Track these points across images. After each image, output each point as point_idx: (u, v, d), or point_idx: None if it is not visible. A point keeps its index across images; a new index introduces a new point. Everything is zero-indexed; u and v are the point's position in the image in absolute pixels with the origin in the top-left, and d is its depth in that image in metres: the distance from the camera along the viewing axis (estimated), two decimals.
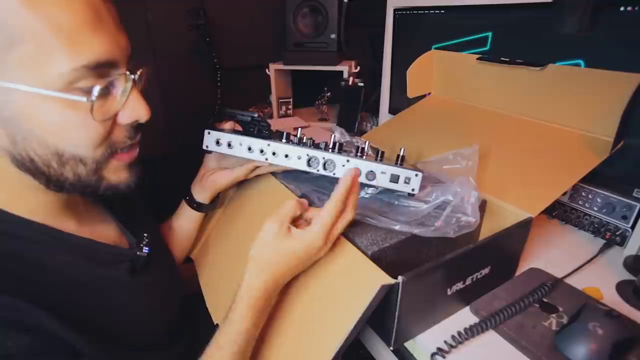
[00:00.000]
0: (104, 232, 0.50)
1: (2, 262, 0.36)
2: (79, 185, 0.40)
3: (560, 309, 0.49)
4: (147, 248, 0.51)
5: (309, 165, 0.53)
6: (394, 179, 0.51)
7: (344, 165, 0.52)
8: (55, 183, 0.39)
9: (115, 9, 0.40)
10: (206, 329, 0.53)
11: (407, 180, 0.50)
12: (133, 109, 0.41)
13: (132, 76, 0.40)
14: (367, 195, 0.55)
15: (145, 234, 0.53)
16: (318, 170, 0.53)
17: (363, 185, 0.54)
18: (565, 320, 0.47)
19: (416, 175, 0.50)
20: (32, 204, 0.40)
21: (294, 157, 0.53)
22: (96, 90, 0.36)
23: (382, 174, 0.51)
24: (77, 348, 0.36)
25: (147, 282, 0.50)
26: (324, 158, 0.52)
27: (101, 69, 0.36)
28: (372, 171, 0.51)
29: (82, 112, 0.36)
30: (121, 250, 0.49)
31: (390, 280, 0.38)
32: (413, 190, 0.51)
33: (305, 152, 0.53)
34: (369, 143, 0.55)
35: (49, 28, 0.33)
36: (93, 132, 0.38)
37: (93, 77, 0.36)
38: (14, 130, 0.35)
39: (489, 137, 0.67)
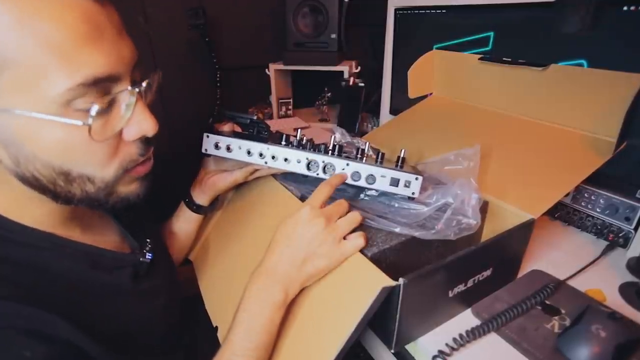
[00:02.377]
0: (107, 238, 0.50)
1: (14, 271, 0.36)
2: (87, 200, 0.39)
3: (563, 311, 0.49)
4: (150, 254, 0.51)
5: (308, 168, 0.53)
6: (394, 182, 0.50)
7: (343, 169, 0.51)
8: (64, 198, 0.38)
9: (117, 13, 0.37)
10: (205, 332, 0.53)
11: (407, 184, 0.50)
12: (138, 124, 0.38)
13: (136, 89, 0.37)
14: (366, 198, 0.54)
15: (148, 240, 0.53)
16: (317, 174, 0.52)
17: (363, 188, 0.54)
18: (567, 322, 0.47)
19: (416, 178, 0.50)
20: (37, 213, 0.40)
21: (294, 160, 0.53)
22: (94, 110, 0.34)
23: (382, 178, 0.50)
24: (88, 353, 0.36)
25: (150, 287, 0.50)
26: (323, 162, 0.52)
27: (101, 84, 0.34)
28: (372, 175, 0.51)
29: (82, 133, 0.34)
30: (123, 256, 0.49)
31: (391, 282, 0.38)
32: (413, 193, 0.50)
33: (304, 155, 0.52)
34: (369, 144, 0.54)
35: (42, 46, 0.30)
36: (98, 152, 0.37)
37: (93, 94, 0.34)
38: (16, 151, 0.34)
39: (491, 138, 0.66)
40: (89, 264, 0.43)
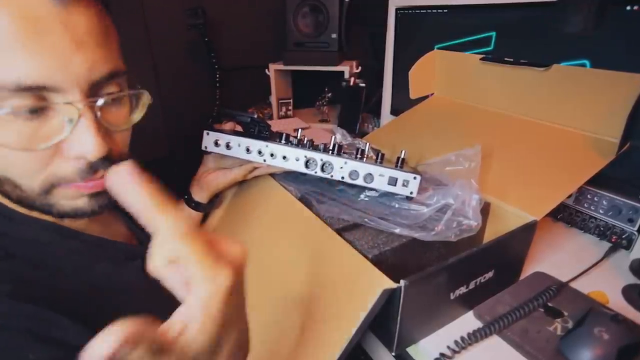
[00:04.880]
0: (114, 229, 0.49)
1: (19, 266, 0.35)
2: (26, 204, 0.36)
3: (565, 313, 0.48)
4: None
5: (306, 167, 0.53)
6: (392, 181, 0.50)
7: (341, 167, 0.51)
8: (4, 195, 0.36)
9: (94, 21, 0.33)
10: None
11: (406, 183, 0.50)
12: (79, 143, 0.33)
13: (80, 105, 0.33)
14: (366, 198, 0.54)
15: None
16: (316, 172, 0.52)
17: (363, 189, 0.54)
18: (570, 325, 0.47)
19: (414, 178, 0.49)
20: None
21: (292, 158, 0.53)
22: (2, 111, 0.30)
23: (380, 177, 0.50)
24: None
25: (157, 280, 0.49)
26: (322, 160, 0.52)
27: (31, 92, 0.30)
28: (370, 173, 0.50)
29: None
30: (132, 248, 0.48)
31: (392, 284, 0.37)
32: (411, 193, 0.50)
33: (303, 153, 0.52)
34: (369, 145, 0.54)
35: None
36: (23, 162, 0.33)
37: (22, 98, 0.30)
38: None
39: (493, 138, 0.66)
40: (97, 257, 0.42)
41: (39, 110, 0.32)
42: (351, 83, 1.17)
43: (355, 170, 0.51)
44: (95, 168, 0.36)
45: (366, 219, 0.47)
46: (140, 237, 0.51)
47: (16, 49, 0.29)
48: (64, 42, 0.31)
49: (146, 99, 0.40)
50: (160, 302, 0.50)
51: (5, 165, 0.33)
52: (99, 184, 0.37)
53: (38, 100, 0.31)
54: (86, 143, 0.34)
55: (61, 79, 0.31)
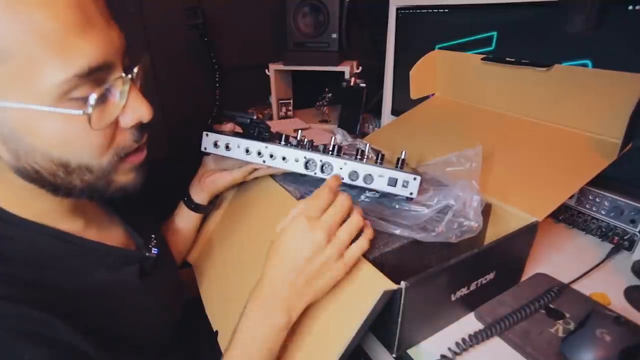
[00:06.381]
0: (111, 233, 0.49)
1: (13, 269, 0.36)
2: (87, 190, 0.39)
3: (567, 315, 0.48)
4: (156, 249, 0.50)
5: (306, 167, 0.52)
6: (392, 182, 0.50)
7: (341, 168, 0.51)
8: (64, 191, 0.38)
9: (103, 0, 0.36)
10: (206, 334, 0.53)
11: (405, 184, 0.50)
12: (134, 110, 0.38)
13: (129, 76, 0.37)
14: (367, 199, 0.54)
15: (153, 235, 0.52)
16: (315, 173, 0.52)
17: (362, 189, 0.53)
18: (572, 326, 0.46)
19: (414, 178, 0.49)
20: (39, 208, 0.40)
21: (292, 159, 0.53)
22: (92, 99, 0.34)
23: (380, 177, 0.50)
24: (89, 355, 0.35)
25: (155, 283, 0.49)
26: (321, 161, 0.52)
27: (96, 74, 0.34)
28: (369, 174, 0.50)
29: (81, 123, 0.34)
30: (130, 253, 0.49)
31: (392, 286, 0.37)
32: (411, 194, 0.50)
33: (302, 154, 0.52)
34: (369, 145, 0.54)
35: (34, 36, 0.30)
36: (96, 141, 0.37)
37: (88, 84, 0.34)
38: (16, 145, 0.34)
39: (494, 139, 0.66)
40: (94, 262, 0.42)
41: (105, 94, 0.36)
42: (351, 83, 1.17)
43: (355, 171, 0.51)
44: (143, 131, 0.41)
45: (366, 220, 0.47)
46: (138, 242, 0.51)
47: (80, 34, 0.32)
48: (101, 22, 0.34)
49: (147, 61, 0.43)
50: (154, 307, 0.50)
51: (81, 150, 0.36)
52: (142, 155, 0.43)
53: (100, 83, 0.35)
54: (139, 108, 0.39)
55: (111, 54, 0.35)
